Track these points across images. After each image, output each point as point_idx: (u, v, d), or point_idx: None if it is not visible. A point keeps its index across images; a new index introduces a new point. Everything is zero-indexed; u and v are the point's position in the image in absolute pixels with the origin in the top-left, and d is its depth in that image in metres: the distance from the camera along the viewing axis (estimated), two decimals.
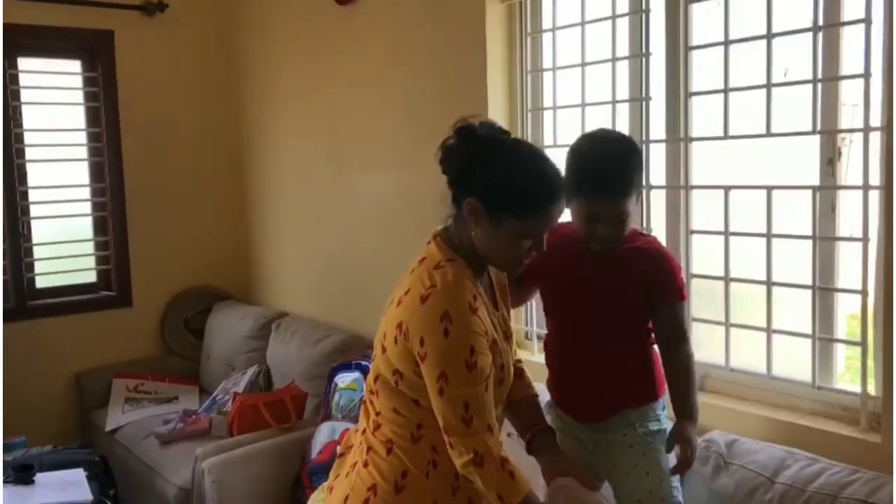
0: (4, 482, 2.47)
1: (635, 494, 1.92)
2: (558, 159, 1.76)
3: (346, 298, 3.78)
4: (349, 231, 3.72)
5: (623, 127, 2.59)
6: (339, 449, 1.94)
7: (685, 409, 1.88)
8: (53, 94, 4.03)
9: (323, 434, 2.98)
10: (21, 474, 2.54)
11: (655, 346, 1.98)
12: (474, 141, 1.64)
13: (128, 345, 4.22)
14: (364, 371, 3.04)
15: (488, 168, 1.61)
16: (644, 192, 2.54)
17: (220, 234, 4.48)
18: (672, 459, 1.90)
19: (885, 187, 1.95)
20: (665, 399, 1.97)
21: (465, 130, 1.66)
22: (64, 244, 4.15)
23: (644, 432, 1.93)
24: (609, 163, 1.82)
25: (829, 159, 2.13)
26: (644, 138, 2.53)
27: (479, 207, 1.61)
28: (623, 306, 1.92)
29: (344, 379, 3.09)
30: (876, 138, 1.99)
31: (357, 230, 3.67)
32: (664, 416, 1.98)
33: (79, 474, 2.62)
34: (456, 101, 3.03)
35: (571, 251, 1.92)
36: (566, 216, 1.78)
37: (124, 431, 3.68)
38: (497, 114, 2.91)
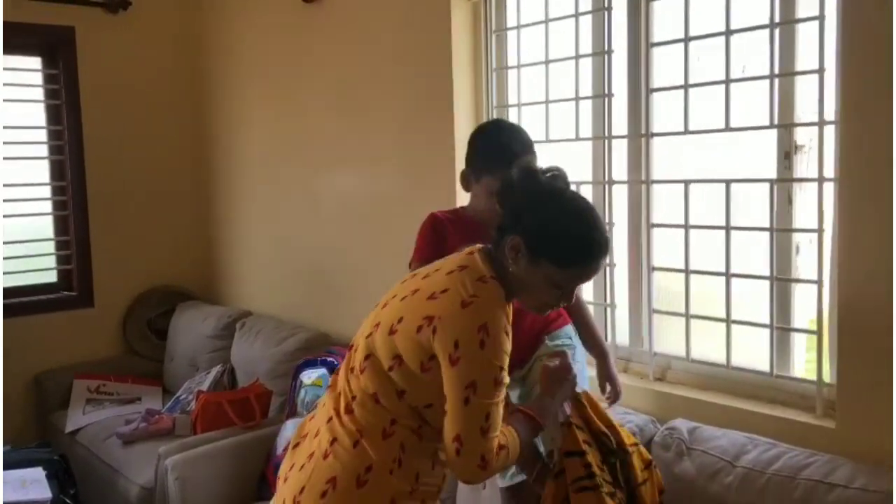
0: None
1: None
2: None
3: (310, 297, 3.77)
4: (313, 230, 3.72)
5: (586, 123, 2.63)
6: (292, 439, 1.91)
7: (599, 350, 2.24)
8: (13, 90, 3.97)
9: (289, 431, 2.97)
10: None
11: None
12: (535, 183, 1.71)
13: (89, 346, 4.17)
14: (330, 367, 3.04)
15: (541, 213, 1.67)
16: (607, 187, 2.58)
17: (184, 235, 4.44)
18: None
19: (840, 179, 2.00)
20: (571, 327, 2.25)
21: (529, 171, 1.73)
22: (24, 243, 4.08)
23: (553, 346, 2.16)
24: None
25: (786, 153, 2.19)
26: (607, 134, 2.57)
27: (521, 246, 1.65)
28: None
29: (310, 375, 3.08)
30: (830, 132, 2.05)
31: (321, 229, 3.66)
32: (574, 336, 2.23)
33: (38, 473, 2.57)
34: (422, 99, 3.06)
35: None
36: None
37: (85, 432, 3.63)
38: (463, 112, 2.94)
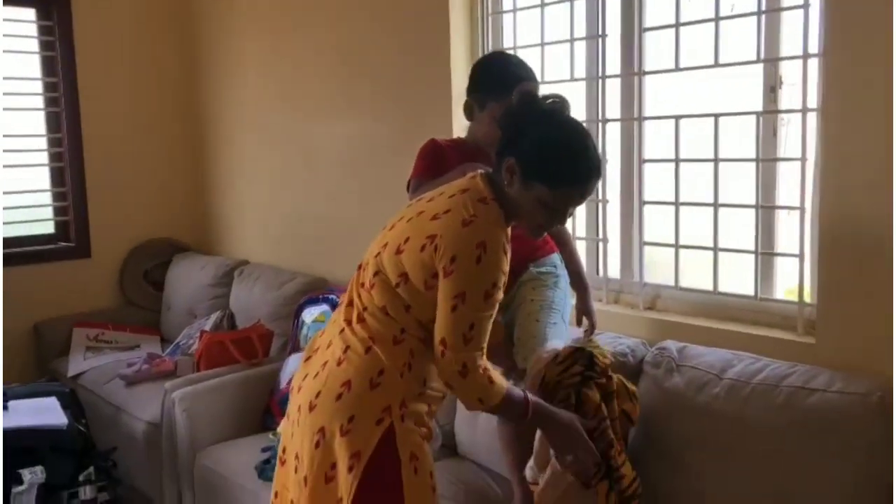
0: None
1: (520, 319, 2.21)
2: None
3: (306, 245, 3.85)
4: (308, 179, 3.79)
5: (580, 63, 2.72)
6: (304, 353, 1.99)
7: (580, 283, 2.33)
8: (7, 42, 3.99)
9: (291, 366, 3.07)
10: None
11: None
12: (530, 106, 1.79)
13: (87, 296, 4.24)
14: (332, 304, 3.13)
15: (534, 134, 1.74)
16: (600, 124, 2.69)
17: (179, 186, 4.50)
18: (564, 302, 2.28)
19: (823, 109, 2.12)
20: (558, 256, 2.34)
21: (529, 95, 1.82)
22: (21, 194, 4.13)
23: (537, 272, 2.26)
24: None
25: (772, 87, 2.30)
26: (600, 74, 2.67)
27: (515, 168, 1.73)
28: None
29: (311, 313, 3.18)
30: (814, 65, 2.16)
31: (316, 178, 3.74)
32: (560, 265, 2.32)
33: (52, 401, 2.66)
34: (418, 45, 3.13)
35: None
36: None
37: (87, 376, 3.71)
38: (459, 57, 3.02)
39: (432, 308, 1.75)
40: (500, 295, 1.74)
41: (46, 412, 2.56)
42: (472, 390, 1.75)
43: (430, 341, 1.78)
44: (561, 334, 2.21)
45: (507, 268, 1.74)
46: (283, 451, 1.94)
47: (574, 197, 1.77)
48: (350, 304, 1.88)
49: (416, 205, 1.86)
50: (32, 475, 2.37)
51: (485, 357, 1.75)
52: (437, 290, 1.73)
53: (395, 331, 1.78)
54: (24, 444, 2.45)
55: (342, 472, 1.75)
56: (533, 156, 1.73)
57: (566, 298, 2.29)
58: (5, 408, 2.57)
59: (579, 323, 2.36)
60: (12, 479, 2.36)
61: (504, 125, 1.82)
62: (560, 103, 1.81)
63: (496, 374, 1.78)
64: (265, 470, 2.60)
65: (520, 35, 2.90)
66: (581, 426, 1.88)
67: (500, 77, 2.17)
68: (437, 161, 2.24)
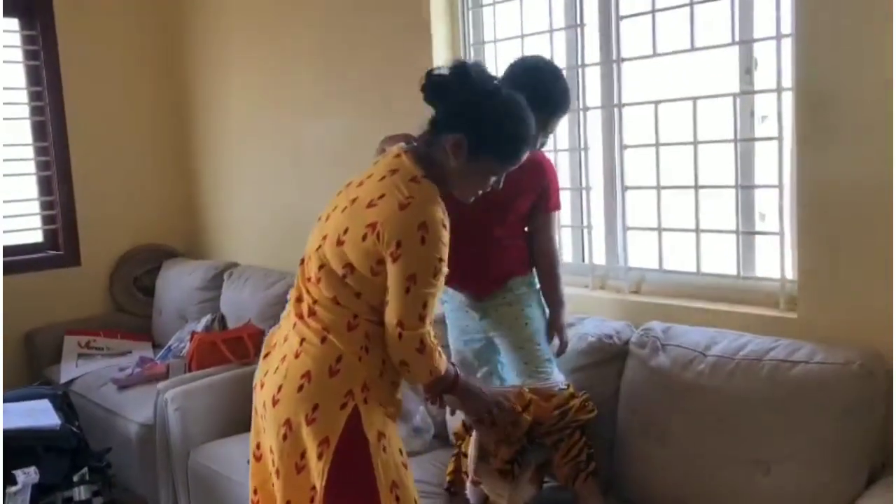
0: None
1: (513, 342, 2.24)
2: None
3: (295, 246, 3.82)
4: (294, 179, 3.81)
5: (560, 53, 2.76)
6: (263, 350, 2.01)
7: (555, 300, 2.29)
8: None
9: None
10: None
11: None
12: (470, 83, 1.80)
13: (78, 303, 4.24)
14: None
15: (483, 112, 1.78)
16: (581, 113, 2.72)
17: (166, 192, 4.51)
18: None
19: (797, 88, 2.16)
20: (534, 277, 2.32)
21: (462, 70, 1.82)
22: (8, 204, 4.13)
23: (520, 292, 2.25)
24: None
25: (747, 69, 2.34)
26: (580, 62, 2.71)
27: (463, 143, 1.76)
28: (509, 214, 2.22)
29: None
30: (788, 44, 2.20)
31: (303, 177, 3.76)
32: (534, 282, 2.31)
33: (45, 403, 2.68)
34: (400, 41, 3.16)
35: None
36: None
37: (80, 382, 3.71)
38: (441, 51, 3.05)
39: (381, 292, 1.78)
40: (446, 268, 1.78)
41: (39, 414, 2.58)
42: (426, 364, 1.79)
43: (384, 323, 1.79)
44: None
45: (447, 239, 1.77)
46: (258, 447, 1.96)
47: (519, 163, 1.86)
48: (299, 299, 1.89)
49: (347, 191, 1.88)
50: (26, 476, 2.38)
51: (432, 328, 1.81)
52: (383, 276, 1.76)
53: (348, 318, 1.80)
54: (18, 444, 2.46)
55: (312, 459, 1.77)
56: (486, 135, 1.77)
57: (544, 315, 2.31)
58: None
59: (550, 340, 2.29)
60: (6, 480, 2.36)
61: (441, 99, 1.81)
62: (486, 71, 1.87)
63: (441, 350, 1.84)
64: None
65: (500, 28, 2.93)
66: (491, 392, 2.02)
67: None
68: None
